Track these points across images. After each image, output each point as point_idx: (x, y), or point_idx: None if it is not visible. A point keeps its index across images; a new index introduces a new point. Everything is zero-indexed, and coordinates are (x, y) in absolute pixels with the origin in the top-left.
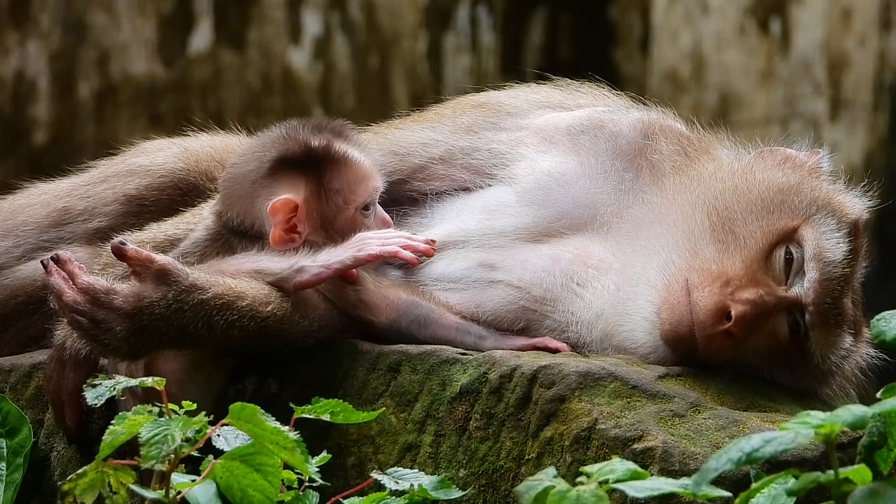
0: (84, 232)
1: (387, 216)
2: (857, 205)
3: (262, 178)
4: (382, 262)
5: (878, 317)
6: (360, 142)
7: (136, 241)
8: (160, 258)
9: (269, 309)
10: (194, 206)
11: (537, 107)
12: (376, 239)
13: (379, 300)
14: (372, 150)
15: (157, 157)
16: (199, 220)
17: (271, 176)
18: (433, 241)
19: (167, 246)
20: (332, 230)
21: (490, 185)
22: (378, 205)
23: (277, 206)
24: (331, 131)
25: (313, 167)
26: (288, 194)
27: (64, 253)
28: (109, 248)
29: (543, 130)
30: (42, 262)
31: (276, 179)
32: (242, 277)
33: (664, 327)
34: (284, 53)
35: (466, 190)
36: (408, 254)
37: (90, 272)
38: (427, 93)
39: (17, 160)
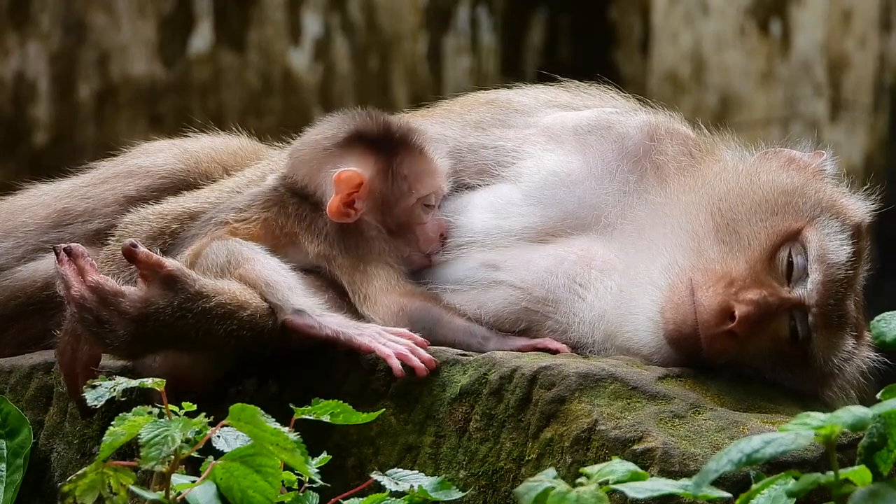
0: (84, 233)
1: (444, 225)
2: (860, 207)
3: (334, 146)
4: (399, 264)
5: (878, 318)
6: (437, 146)
7: (155, 213)
8: (169, 263)
9: (269, 323)
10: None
11: (546, 106)
12: (382, 335)
13: (390, 301)
14: (445, 157)
15: (157, 158)
16: (257, 180)
17: (344, 147)
18: (435, 362)
19: (186, 219)
20: (389, 216)
21: (496, 183)
22: (439, 211)
23: (343, 176)
24: (414, 126)
25: (387, 147)
26: (356, 167)
27: (77, 246)
28: (120, 248)
29: (550, 129)
30: (54, 248)
31: (347, 151)
32: (252, 281)
33: (668, 327)
34: (284, 54)
35: (473, 187)
36: (395, 362)
37: (99, 271)
38: (427, 94)
39: (18, 161)
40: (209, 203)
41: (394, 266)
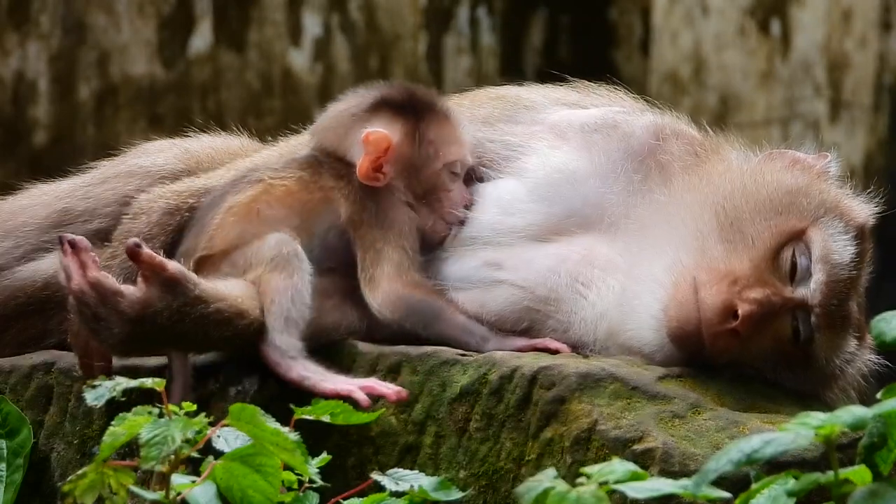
0: (84, 233)
1: (469, 196)
2: (864, 208)
3: (361, 112)
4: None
5: (878, 317)
6: (462, 119)
7: (171, 190)
8: (171, 266)
9: None
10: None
11: (554, 103)
12: (350, 382)
13: (392, 289)
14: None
15: (157, 158)
16: (277, 159)
17: (371, 112)
18: (405, 393)
19: (203, 194)
20: (416, 180)
21: (502, 178)
22: (464, 184)
23: (372, 137)
24: (438, 94)
25: (413, 112)
26: (384, 130)
27: (82, 240)
28: (133, 223)
29: (557, 126)
30: (59, 237)
31: (374, 116)
32: (263, 288)
33: (671, 325)
34: (284, 54)
35: (480, 180)
36: (360, 394)
37: (101, 268)
38: None
39: (18, 161)
40: (226, 181)
41: (408, 252)
